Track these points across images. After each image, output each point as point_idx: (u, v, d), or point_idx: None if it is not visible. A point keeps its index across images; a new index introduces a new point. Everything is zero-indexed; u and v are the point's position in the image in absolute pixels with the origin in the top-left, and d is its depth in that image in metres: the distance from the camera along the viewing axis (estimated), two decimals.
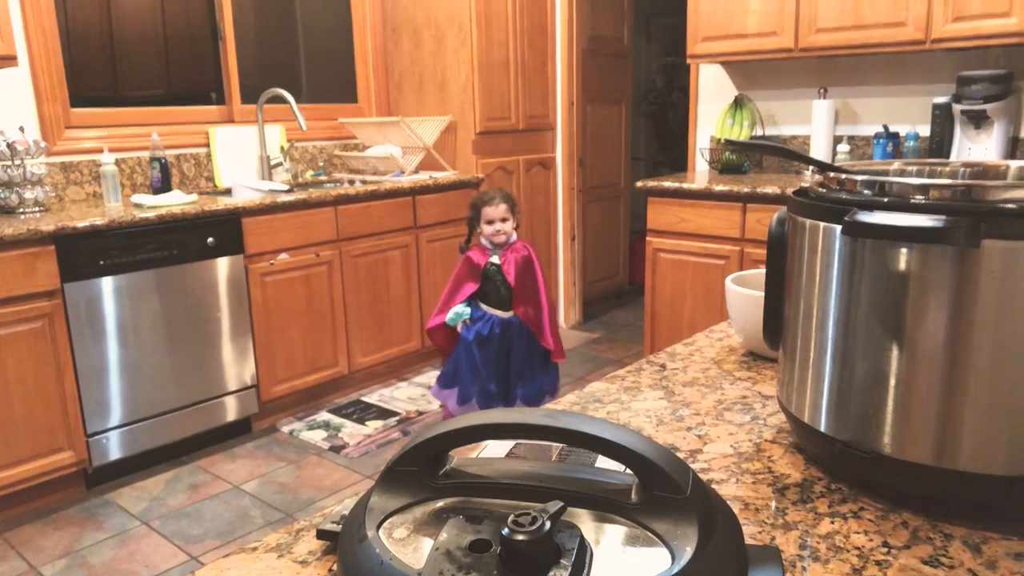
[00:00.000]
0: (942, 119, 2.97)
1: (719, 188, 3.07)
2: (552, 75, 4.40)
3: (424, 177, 3.79)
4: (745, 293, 0.96)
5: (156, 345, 2.81)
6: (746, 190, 2.99)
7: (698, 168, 3.83)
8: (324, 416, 3.34)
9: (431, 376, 3.74)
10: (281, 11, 4.03)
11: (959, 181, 0.66)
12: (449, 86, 4.05)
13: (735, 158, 3.49)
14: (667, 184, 3.25)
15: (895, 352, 0.62)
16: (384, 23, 4.30)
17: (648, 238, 3.35)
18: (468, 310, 2.66)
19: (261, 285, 3.11)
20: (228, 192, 3.47)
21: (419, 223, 3.72)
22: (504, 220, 2.68)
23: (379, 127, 3.98)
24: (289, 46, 4.09)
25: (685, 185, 3.20)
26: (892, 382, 0.63)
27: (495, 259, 2.69)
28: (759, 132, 3.58)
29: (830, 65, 3.33)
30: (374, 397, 3.53)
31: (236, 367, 3.07)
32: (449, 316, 2.67)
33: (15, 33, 2.89)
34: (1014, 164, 0.77)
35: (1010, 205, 0.57)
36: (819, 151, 3.28)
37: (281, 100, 3.60)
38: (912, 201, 0.59)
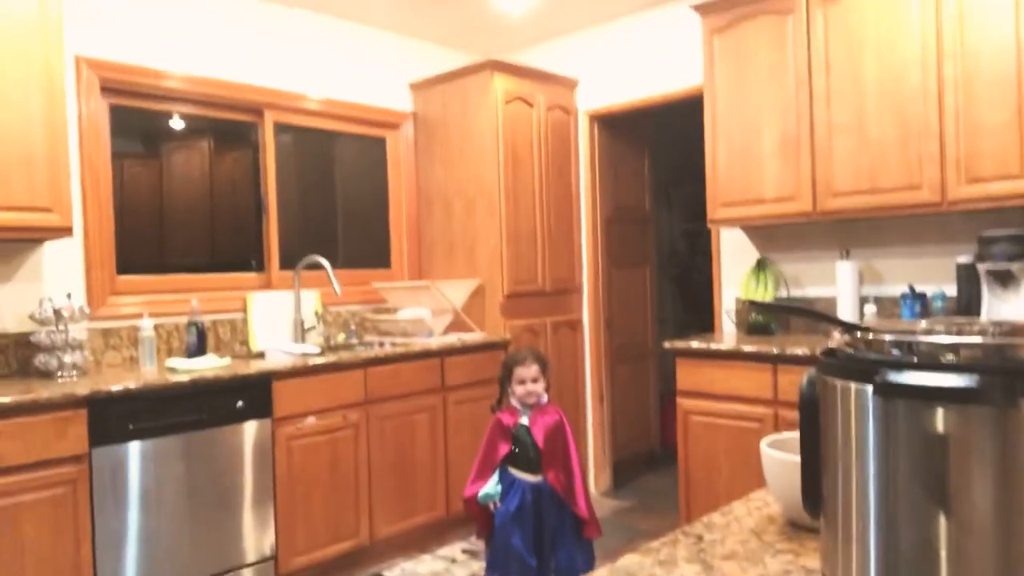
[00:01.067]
0: (967, 279, 2.97)
1: (748, 349, 3.05)
2: (577, 240, 4.55)
3: (452, 339, 3.84)
4: (782, 458, 0.93)
5: (176, 513, 2.75)
6: (776, 351, 2.96)
7: (725, 329, 3.83)
8: None
9: (455, 548, 3.57)
10: (322, 186, 4.29)
11: (990, 340, 0.64)
12: (478, 251, 4.19)
13: (762, 319, 3.50)
14: (695, 345, 3.24)
15: (942, 520, 0.58)
16: (418, 193, 4.53)
17: (678, 399, 3.30)
18: (498, 489, 2.60)
19: (287, 450, 3.08)
20: (261, 355, 3.53)
21: (447, 384, 3.71)
22: (535, 380, 2.67)
23: (410, 291, 4.09)
24: (327, 216, 4.32)
25: (713, 346, 3.18)
26: (943, 553, 0.59)
27: (524, 420, 2.65)
28: (784, 293, 3.61)
29: (851, 227, 3.40)
30: (395, 572, 3.36)
31: (255, 537, 2.98)
32: (480, 495, 2.61)
33: (74, 206, 3.09)
34: None
35: None
36: (846, 312, 3.27)
37: (318, 266, 3.74)
38: (943, 360, 0.58)
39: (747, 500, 1.07)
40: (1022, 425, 0.55)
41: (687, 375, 3.27)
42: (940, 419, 0.58)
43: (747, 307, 3.65)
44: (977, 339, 0.63)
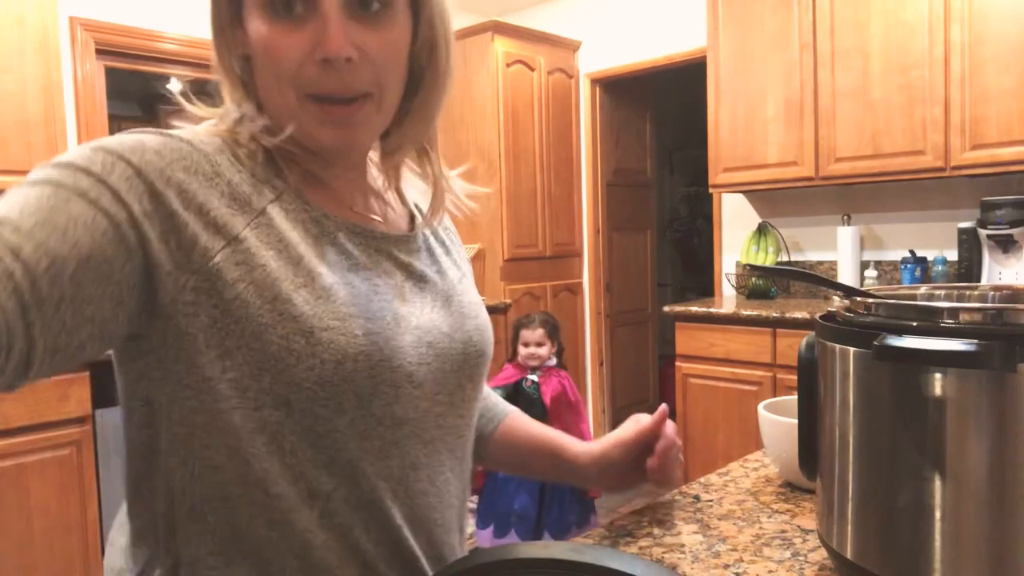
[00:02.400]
0: (969, 244, 2.97)
1: (748, 313, 3.06)
2: (578, 204, 4.53)
3: None
4: (779, 421, 0.94)
5: None
6: (775, 315, 2.97)
7: (725, 293, 3.83)
8: None
9: None
10: None
11: (990, 304, 0.65)
12: (478, 215, 4.18)
13: (762, 283, 3.50)
14: (695, 309, 3.25)
15: (938, 482, 0.59)
16: None
17: (677, 363, 3.31)
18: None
19: None
20: None
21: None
22: (540, 344, 2.69)
23: None
24: None
25: (713, 310, 3.19)
26: (938, 515, 0.60)
27: (534, 377, 2.68)
28: (784, 258, 3.61)
29: (852, 192, 3.38)
30: None
31: None
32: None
33: None
34: None
35: None
36: (846, 277, 3.28)
37: None
38: (943, 325, 0.58)
39: (744, 462, 1.08)
40: (1020, 389, 0.55)
41: (687, 339, 3.28)
42: (939, 383, 0.58)
43: (747, 271, 3.65)
44: (977, 304, 0.64)
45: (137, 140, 0.63)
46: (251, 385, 0.62)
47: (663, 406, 0.92)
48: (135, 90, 3.54)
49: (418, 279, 0.75)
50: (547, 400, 2.63)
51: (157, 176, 0.61)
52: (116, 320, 0.59)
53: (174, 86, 3.66)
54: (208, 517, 0.65)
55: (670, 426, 0.91)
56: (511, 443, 0.94)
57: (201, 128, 0.69)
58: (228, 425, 0.63)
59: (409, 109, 0.73)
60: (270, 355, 0.62)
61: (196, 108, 0.72)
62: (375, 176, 0.80)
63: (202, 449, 0.64)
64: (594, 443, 0.93)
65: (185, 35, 3.47)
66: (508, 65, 4.09)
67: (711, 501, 0.93)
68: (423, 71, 0.72)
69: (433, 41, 0.71)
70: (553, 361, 2.73)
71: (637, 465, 0.89)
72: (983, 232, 2.90)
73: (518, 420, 0.97)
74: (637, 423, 0.92)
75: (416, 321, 0.71)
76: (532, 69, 4.22)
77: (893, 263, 3.29)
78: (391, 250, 0.74)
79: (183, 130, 0.68)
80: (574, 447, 0.92)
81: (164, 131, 0.66)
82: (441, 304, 0.75)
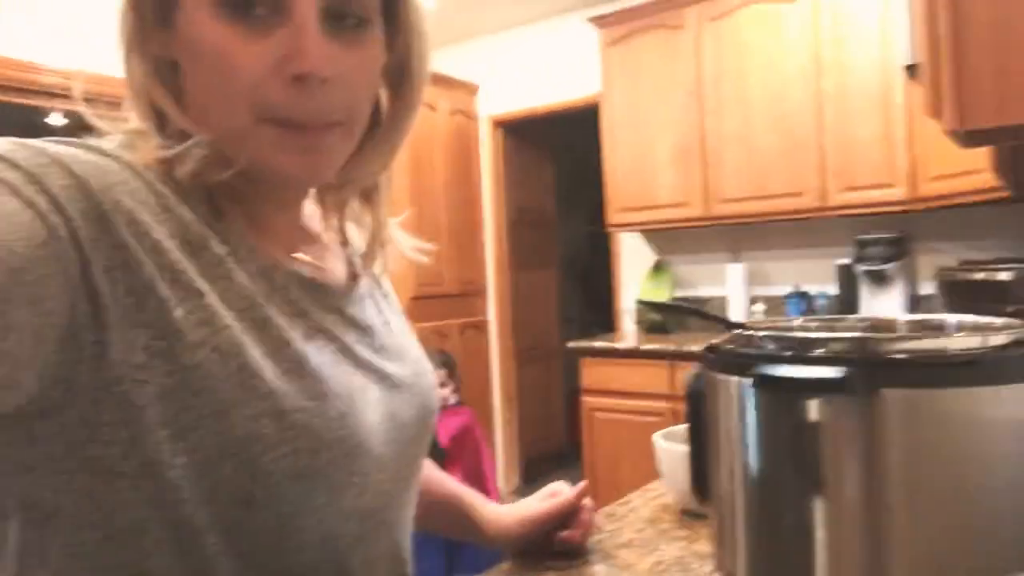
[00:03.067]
0: (847, 279, 3.19)
1: (647, 347, 3.16)
2: (482, 243, 4.59)
3: None
4: (673, 449, 0.98)
5: None
6: (672, 348, 3.09)
7: (626, 329, 3.95)
8: None
9: None
10: None
11: (854, 334, 0.71)
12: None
13: (660, 319, 3.63)
14: (598, 344, 3.33)
15: (818, 504, 0.63)
16: None
17: (583, 398, 3.38)
18: None
19: None
20: None
21: None
22: (443, 385, 2.68)
23: None
24: None
25: (615, 345, 3.28)
26: (819, 534, 0.64)
27: None
28: (679, 294, 3.76)
29: (740, 231, 3.58)
30: None
31: None
32: None
33: None
34: (905, 317, 0.84)
35: (902, 355, 0.61)
36: (736, 311, 3.44)
37: None
38: (812, 354, 0.63)
39: (644, 491, 1.12)
40: (883, 413, 0.60)
41: (591, 373, 3.36)
42: (812, 409, 0.63)
43: (643, 307, 3.77)
44: (843, 334, 0.69)
45: (66, 149, 0.49)
46: (206, 474, 0.50)
47: (584, 483, 0.90)
48: (13, 124, 3.36)
49: (369, 337, 0.65)
50: (444, 441, 2.62)
51: (104, 195, 0.48)
52: (27, 369, 0.43)
53: (55, 120, 3.50)
54: None
55: (588, 501, 0.89)
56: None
57: (118, 151, 0.53)
58: (173, 520, 0.50)
59: (368, 140, 0.62)
60: (233, 440, 0.50)
61: (106, 125, 0.57)
62: (308, 215, 0.68)
63: (120, 553, 0.50)
64: (505, 513, 0.89)
65: (67, 68, 3.33)
66: None
67: (612, 531, 0.96)
68: (391, 98, 0.63)
69: (407, 65, 0.62)
70: (453, 399, 2.73)
71: (548, 536, 0.88)
72: (859, 268, 3.12)
73: (426, 469, 0.86)
74: (554, 496, 0.89)
75: (377, 392, 0.62)
76: (433, 110, 4.27)
77: (779, 298, 3.48)
78: (340, 305, 0.63)
79: (111, 146, 0.54)
80: (483, 511, 0.88)
81: (92, 144, 0.52)
82: (395, 364, 0.66)
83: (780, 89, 3.14)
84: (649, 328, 3.66)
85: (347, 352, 0.61)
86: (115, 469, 0.48)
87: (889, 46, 2.87)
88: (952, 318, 0.79)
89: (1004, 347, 0.62)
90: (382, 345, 0.66)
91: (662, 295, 3.69)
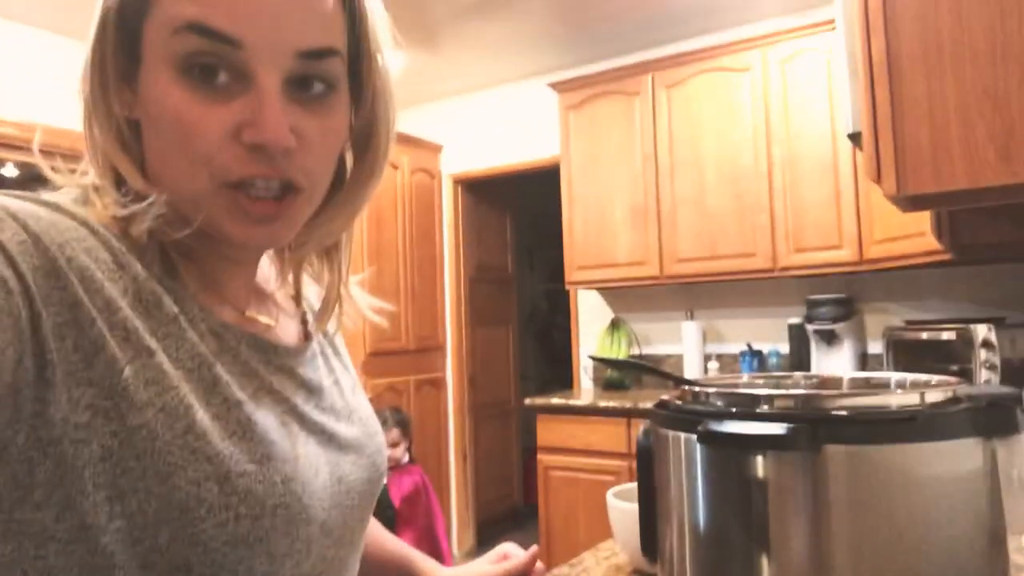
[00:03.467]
0: (798, 337, 3.25)
1: (604, 404, 3.16)
2: (441, 299, 4.58)
3: None
4: (624, 507, 0.97)
5: None
6: (628, 405, 3.09)
7: (583, 386, 3.95)
8: None
9: None
10: None
11: (799, 392, 0.72)
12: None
13: (617, 376, 3.64)
14: (555, 401, 3.32)
15: (764, 560, 0.64)
16: None
17: (539, 456, 3.35)
18: None
19: None
20: None
21: None
22: (395, 445, 2.63)
23: None
24: None
25: (572, 402, 3.28)
26: None
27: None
28: (636, 351, 3.79)
29: (695, 290, 3.64)
30: None
31: None
32: None
33: None
34: (848, 375, 0.86)
35: (843, 412, 0.63)
36: (691, 369, 3.48)
37: None
38: (758, 411, 0.64)
39: (596, 550, 1.11)
40: (826, 468, 0.61)
41: (547, 431, 3.34)
42: (757, 465, 0.64)
43: (598, 364, 3.79)
44: (788, 391, 0.71)
45: (22, 205, 0.49)
46: (143, 539, 0.48)
47: (535, 547, 0.89)
48: None
49: (318, 397, 0.64)
50: (396, 502, 2.56)
51: (58, 251, 0.48)
52: None
53: (9, 171, 3.44)
54: None
55: (540, 565, 0.88)
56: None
57: (73, 206, 0.53)
58: None
59: (331, 201, 0.62)
60: (174, 504, 0.48)
61: (60, 179, 0.57)
62: (263, 270, 0.68)
63: None
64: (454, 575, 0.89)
65: (22, 120, 3.29)
66: None
67: None
68: (356, 160, 0.63)
69: (373, 128, 0.62)
70: (406, 459, 2.68)
71: None
72: (810, 327, 3.19)
73: (371, 528, 0.87)
74: (506, 559, 0.88)
75: (325, 456, 0.61)
76: (396, 168, 4.31)
77: (733, 355, 3.53)
78: (291, 365, 0.63)
79: (67, 200, 0.53)
80: (430, 573, 0.87)
81: (48, 199, 0.52)
82: (344, 425, 0.66)
83: (732, 154, 3.25)
84: (606, 385, 3.67)
85: (295, 413, 0.60)
86: (46, 533, 0.46)
87: (836, 115, 3.01)
88: (895, 376, 0.81)
89: (940, 404, 0.64)
90: (331, 405, 0.66)
91: (619, 352, 3.71)
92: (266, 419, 0.56)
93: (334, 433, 0.64)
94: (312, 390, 0.64)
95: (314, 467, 0.59)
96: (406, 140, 4.39)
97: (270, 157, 0.53)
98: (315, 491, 0.58)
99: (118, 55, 0.54)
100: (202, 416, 0.51)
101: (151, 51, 0.53)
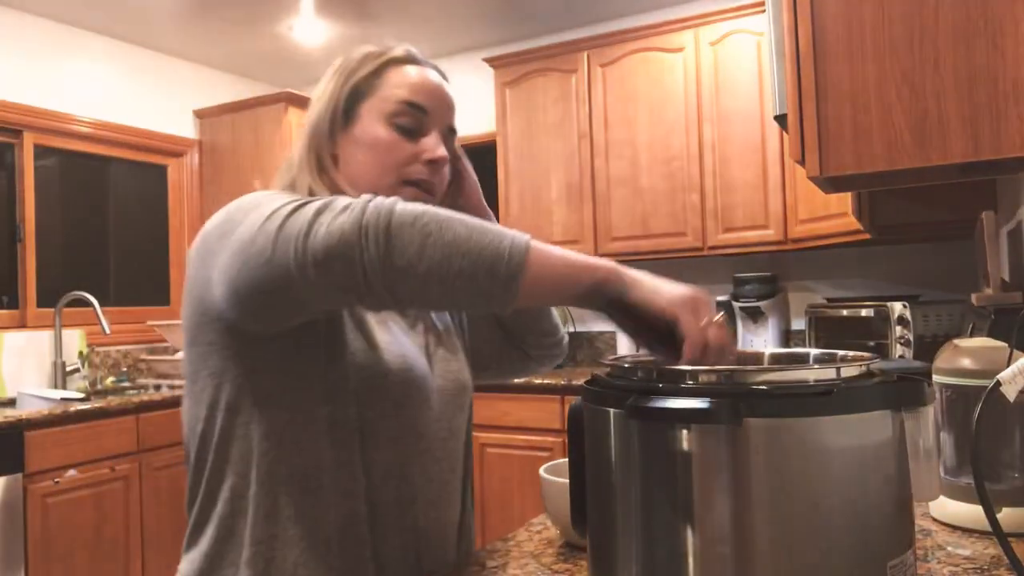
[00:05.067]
0: (725, 314, 3.34)
1: (538, 381, 3.19)
2: None
3: None
4: (555, 482, 0.99)
5: None
6: (563, 382, 3.13)
7: None
8: None
9: None
10: (92, 215, 3.91)
11: (722, 367, 0.74)
12: None
13: None
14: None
15: (689, 532, 0.65)
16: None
17: (475, 433, 3.35)
18: None
19: (42, 508, 2.73)
20: (12, 402, 3.12)
21: None
22: None
23: None
24: (98, 249, 3.94)
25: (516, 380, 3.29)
26: (691, 562, 0.65)
27: None
28: (571, 329, 3.83)
29: (629, 267, 3.68)
30: None
31: None
32: None
33: None
34: (770, 351, 0.88)
35: (764, 386, 0.64)
36: (624, 345, 3.54)
37: (84, 303, 3.39)
38: (682, 386, 0.65)
39: (529, 525, 1.12)
40: (747, 440, 0.63)
41: (482, 408, 3.34)
42: (682, 438, 0.65)
43: None
44: (711, 367, 0.72)
45: None
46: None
47: None
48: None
49: (418, 331, 1.03)
50: None
51: None
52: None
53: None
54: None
55: None
56: None
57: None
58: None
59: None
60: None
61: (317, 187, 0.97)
62: None
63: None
64: None
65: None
66: None
67: (496, 567, 0.95)
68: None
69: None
70: None
71: None
72: (736, 304, 3.28)
73: None
74: None
75: (427, 358, 1.02)
76: None
77: None
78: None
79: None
80: None
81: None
82: (439, 350, 1.05)
83: (665, 134, 3.29)
84: None
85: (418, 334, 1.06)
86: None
87: (765, 97, 3.08)
88: (814, 351, 0.84)
89: (855, 378, 0.67)
90: (434, 330, 1.08)
91: None
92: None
93: (437, 350, 1.08)
94: (427, 324, 1.09)
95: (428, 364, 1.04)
96: None
97: (439, 167, 0.99)
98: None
99: (336, 120, 0.99)
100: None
101: (367, 113, 0.98)
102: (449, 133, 1.03)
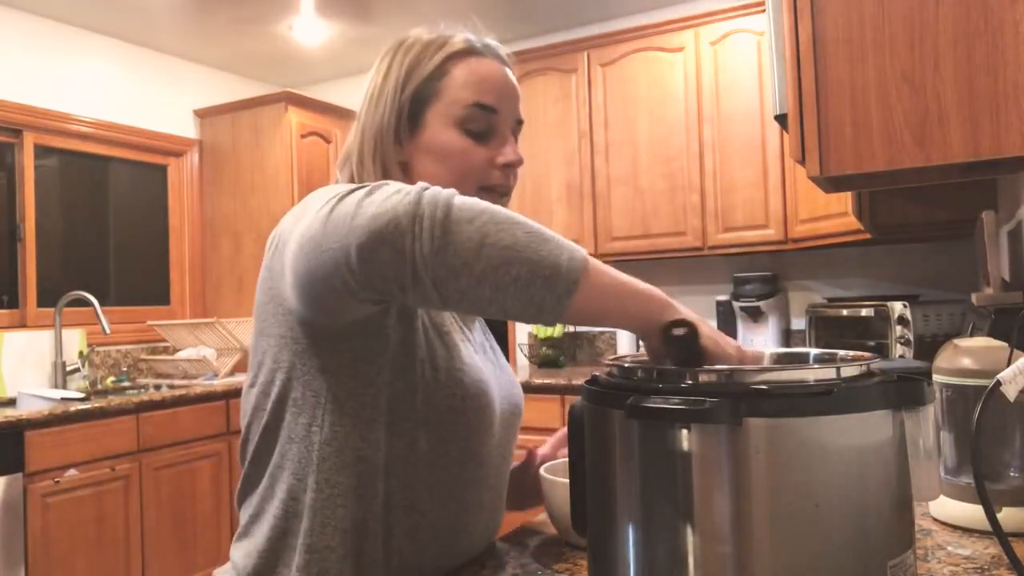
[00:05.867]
0: (725, 314, 3.34)
1: (539, 381, 3.19)
2: None
3: (240, 379, 3.63)
4: (556, 481, 0.99)
5: None
6: (563, 382, 3.13)
7: (519, 363, 3.97)
8: None
9: None
10: (92, 215, 3.91)
11: (722, 367, 0.74)
12: None
13: (551, 353, 3.68)
14: None
15: (689, 532, 0.65)
16: (203, 225, 4.28)
17: None
18: None
19: (42, 507, 2.73)
20: (12, 402, 3.12)
21: (233, 428, 3.50)
22: None
23: (192, 329, 3.83)
24: (98, 248, 3.94)
25: None
26: (691, 563, 0.65)
27: None
28: (571, 330, 3.83)
29: (627, 268, 3.65)
30: None
31: None
32: None
33: None
34: (770, 351, 0.88)
35: (764, 386, 0.64)
36: (625, 346, 3.54)
37: (84, 303, 3.39)
38: (682, 385, 0.65)
39: (528, 525, 1.12)
40: (747, 440, 0.63)
41: None
42: (682, 438, 0.65)
43: (539, 342, 3.82)
44: (712, 366, 0.72)
45: None
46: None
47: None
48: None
49: (484, 349, 1.05)
50: None
51: None
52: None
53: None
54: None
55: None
56: None
57: None
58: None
59: None
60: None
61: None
62: None
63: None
64: None
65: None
66: (303, 136, 4.06)
67: (496, 567, 0.95)
68: None
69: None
70: None
71: None
72: (736, 304, 3.28)
73: None
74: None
75: (496, 380, 1.00)
76: (328, 141, 4.21)
77: None
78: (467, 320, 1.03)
79: None
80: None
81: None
82: (499, 370, 1.05)
83: (665, 134, 3.29)
84: (542, 363, 3.70)
85: (479, 349, 1.05)
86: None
87: (765, 96, 3.08)
88: (814, 351, 0.84)
89: (855, 378, 0.67)
90: (489, 354, 1.09)
91: (554, 331, 3.75)
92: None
93: (495, 370, 1.07)
94: (482, 346, 1.09)
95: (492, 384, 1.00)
96: (339, 112, 4.29)
97: (514, 171, 0.97)
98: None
99: (401, 127, 0.94)
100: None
101: (434, 119, 0.94)
102: (517, 126, 0.99)
